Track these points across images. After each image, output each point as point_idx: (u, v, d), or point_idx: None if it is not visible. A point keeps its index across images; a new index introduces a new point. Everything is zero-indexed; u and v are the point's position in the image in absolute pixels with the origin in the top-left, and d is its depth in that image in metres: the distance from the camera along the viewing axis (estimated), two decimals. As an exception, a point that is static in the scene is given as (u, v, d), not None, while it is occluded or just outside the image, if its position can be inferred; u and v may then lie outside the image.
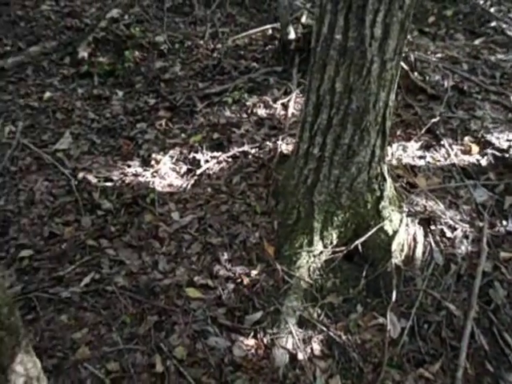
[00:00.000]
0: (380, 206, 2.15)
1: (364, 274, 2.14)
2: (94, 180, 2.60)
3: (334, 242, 2.17)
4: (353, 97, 1.91)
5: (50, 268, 2.14)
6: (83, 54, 3.83)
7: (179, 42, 4.04)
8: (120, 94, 3.48)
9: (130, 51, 3.81)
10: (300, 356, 1.88)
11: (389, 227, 2.17)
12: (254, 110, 3.12)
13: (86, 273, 2.12)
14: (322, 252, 2.15)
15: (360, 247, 2.13)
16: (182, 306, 1.99)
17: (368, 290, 2.14)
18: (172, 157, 2.80)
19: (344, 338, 1.97)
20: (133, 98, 3.42)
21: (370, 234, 2.12)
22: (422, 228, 2.27)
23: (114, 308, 1.97)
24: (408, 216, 2.27)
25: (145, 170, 2.71)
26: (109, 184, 2.59)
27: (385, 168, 2.15)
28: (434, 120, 2.90)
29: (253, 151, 2.77)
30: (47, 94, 3.43)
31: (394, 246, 2.16)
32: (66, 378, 1.71)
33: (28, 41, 4.11)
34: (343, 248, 2.15)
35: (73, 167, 2.72)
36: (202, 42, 4.03)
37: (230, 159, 2.76)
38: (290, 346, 1.91)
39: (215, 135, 2.92)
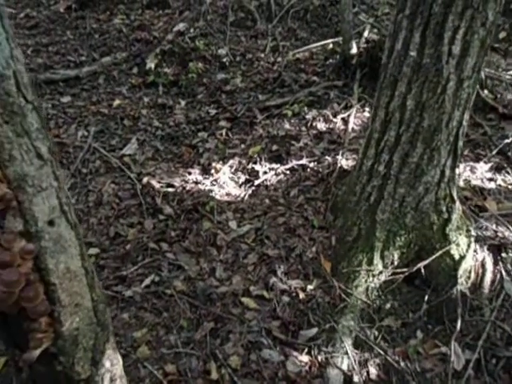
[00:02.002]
0: (447, 229, 2.05)
1: (426, 298, 2.04)
2: (157, 185, 2.71)
3: (395, 263, 2.10)
4: (425, 115, 1.85)
5: (114, 267, 2.25)
6: (150, 64, 4.04)
7: (241, 55, 4.15)
8: (183, 103, 3.62)
9: (193, 63, 3.97)
10: (355, 378, 1.82)
11: (455, 251, 2.07)
12: (314, 124, 3.11)
13: (147, 274, 2.20)
14: (381, 272, 2.09)
15: (423, 270, 2.04)
16: (237, 314, 2.01)
17: (429, 316, 2.05)
18: (231, 166, 2.86)
19: (402, 364, 1.89)
20: (195, 107, 3.55)
21: (434, 257, 2.03)
22: (491, 255, 2.14)
23: (172, 311, 2.03)
24: (476, 241, 2.14)
25: (205, 178, 2.79)
26: (170, 190, 2.69)
27: (454, 189, 2.05)
28: (506, 141, 2.74)
29: (311, 165, 2.77)
30: (116, 102, 3.65)
31: (461, 272, 2.05)
32: (127, 375, 1.76)
33: (101, 52, 4.41)
34: (404, 270, 2.07)
35: (138, 172, 2.85)
36: (262, 56, 4.12)
37: (288, 172, 2.77)
38: (345, 366, 1.86)
39: (274, 147, 2.95)
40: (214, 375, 1.78)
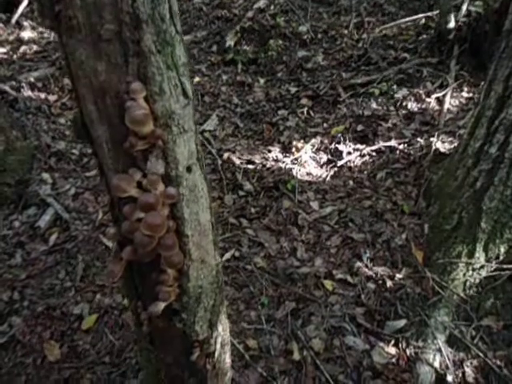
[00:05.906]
0: None
1: (536, 300, 1.80)
2: (237, 161, 2.69)
3: (500, 258, 1.88)
4: (557, 88, 1.59)
5: (195, 239, 2.27)
6: (230, 42, 4.02)
7: (322, 32, 3.98)
8: (262, 81, 3.55)
9: (273, 40, 3.87)
10: (449, 378, 1.66)
11: None
12: (404, 103, 2.88)
13: (228, 249, 2.19)
14: (483, 266, 1.87)
15: (534, 269, 1.80)
16: (319, 297, 1.93)
17: (539, 320, 1.81)
18: (313, 146, 2.75)
19: (505, 370, 1.69)
20: (274, 85, 3.46)
21: (551, 254, 1.77)
22: None
23: (252, 287, 2.00)
24: None
25: (285, 157, 2.71)
26: (250, 167, 2.65)
27: None
28: None
29: (401, 147, 2.57)
30: (196, 79, 3.67)
31: None
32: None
33: (182, 30, 4.47)
34: (511, 266, 1.84)
35: (218, 148, 2.85)
36: (346, 32, 3.90)
37: (374, 153, 2.59)
38: (437, 364, 1.70)
39: (359, 127, 2.78)
40: (296, 356, 1.72)
